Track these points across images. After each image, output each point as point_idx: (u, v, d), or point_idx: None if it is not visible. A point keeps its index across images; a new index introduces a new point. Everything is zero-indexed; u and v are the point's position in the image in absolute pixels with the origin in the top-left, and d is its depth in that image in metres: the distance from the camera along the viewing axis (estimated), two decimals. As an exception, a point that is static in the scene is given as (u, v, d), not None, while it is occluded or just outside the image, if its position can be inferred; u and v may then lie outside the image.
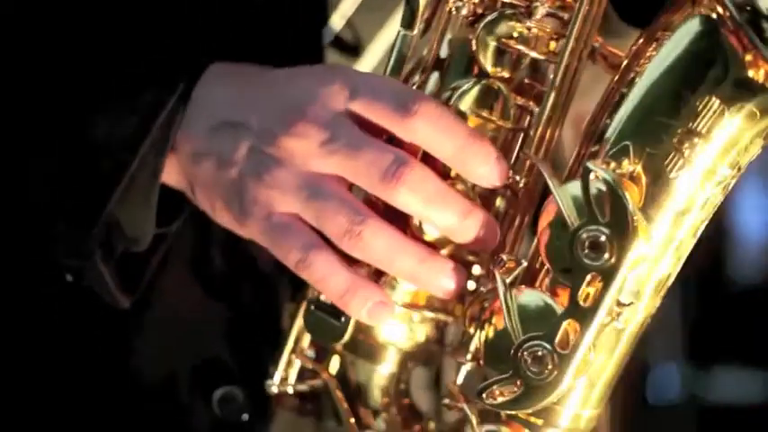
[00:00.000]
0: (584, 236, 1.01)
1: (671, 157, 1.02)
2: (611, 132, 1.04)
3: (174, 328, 1.20)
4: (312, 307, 1.11)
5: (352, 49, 1.19)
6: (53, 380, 1.21)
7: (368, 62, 1.19)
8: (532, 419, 1.09)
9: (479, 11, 1.07)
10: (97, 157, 1.11)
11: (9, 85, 1.14)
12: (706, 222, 1.07)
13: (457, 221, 1.06)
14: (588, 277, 1.01)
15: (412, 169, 1.05)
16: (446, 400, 1.13)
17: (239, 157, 1.09)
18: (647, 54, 1.04)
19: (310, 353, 1.16)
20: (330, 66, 1.15)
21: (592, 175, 1.00)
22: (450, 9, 1.07)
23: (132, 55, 1.14)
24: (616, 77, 1.07)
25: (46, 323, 1.21)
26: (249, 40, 1.18)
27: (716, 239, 2.87)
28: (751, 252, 2.98)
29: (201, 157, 1.11)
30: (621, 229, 1.00)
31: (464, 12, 1.06)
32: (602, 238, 1.00)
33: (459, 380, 1.12)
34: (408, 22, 1.07)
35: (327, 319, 1.10)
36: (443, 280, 1.07)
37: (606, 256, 1.00)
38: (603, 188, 1.01)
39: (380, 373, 1.15)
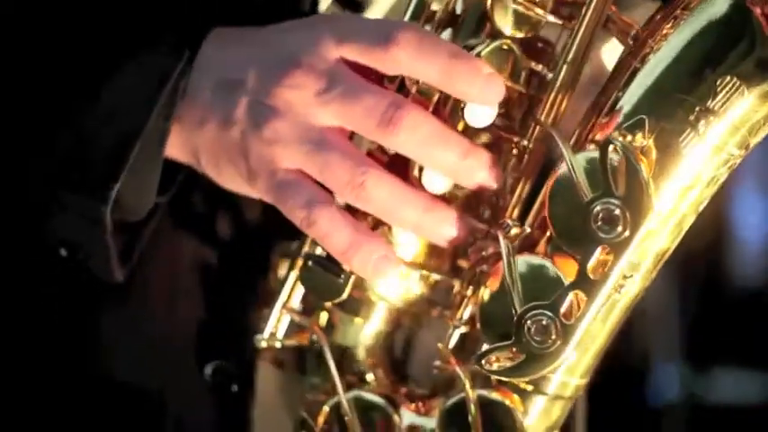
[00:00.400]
0: (599, 208, 1.00)
1: (686, 133, 1.02)
2: (626, 105, 1.04)
3: (170, 298, 1.19)
4: (310, 262, 1.09)
5: (356, 3, 1.16)
6: (36, 357, 1.18)
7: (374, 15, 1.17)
8: (522, 385, 1.09)
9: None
10: (108, 123, 1.08)
11: (19, 55, 1.10)
12: (708, 199, 1.07)
13: (458, 160, 1.05)
14: (599, 249, 1.01)
15: (409, 111, 1.04)
16: (437, 363, 1.12)
17: (239, 115, 1.07)
18: (664, 31, 1.04)
19: (298, 308, 1.14)
20: (318, 15, 1.14)
21: (610, 147, 1.00)
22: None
23: (137, 22, 1.11)
24: (629, 51, 1.06)
25: (32, 301, 1.18)
26: (245, 13, 1.15)
27: (715, 241, 2.84)
28: (750, 253, 2.97)
29: (203, 122, 1.09)
30: (636, 204, 1.00)
31: None
32: (617, 212, 1.00)
33: (452, 343, 1.11)
34: None
35: (326, 275, 1.08)
36: (447, 228, 1.07)
37: (619, 229, 1.00)
38: (619, 161, 1.00)
39: (368, 332, 1.14)
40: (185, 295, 1.19)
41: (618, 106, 1.05)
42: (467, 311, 1.11)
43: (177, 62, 1.08)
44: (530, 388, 1.09)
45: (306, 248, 1.11)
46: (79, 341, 1.19)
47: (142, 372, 1.19)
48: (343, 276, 1.08)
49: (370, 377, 1.14)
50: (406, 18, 1.07)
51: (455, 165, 1.05)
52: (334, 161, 1.04)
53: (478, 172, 1.06)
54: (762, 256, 2.98)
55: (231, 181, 1.11)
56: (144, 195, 1.11)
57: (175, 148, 1.11)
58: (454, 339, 1.11)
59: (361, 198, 1.04)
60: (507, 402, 1.09)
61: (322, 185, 1.06)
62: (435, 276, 1.12)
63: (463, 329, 1.11)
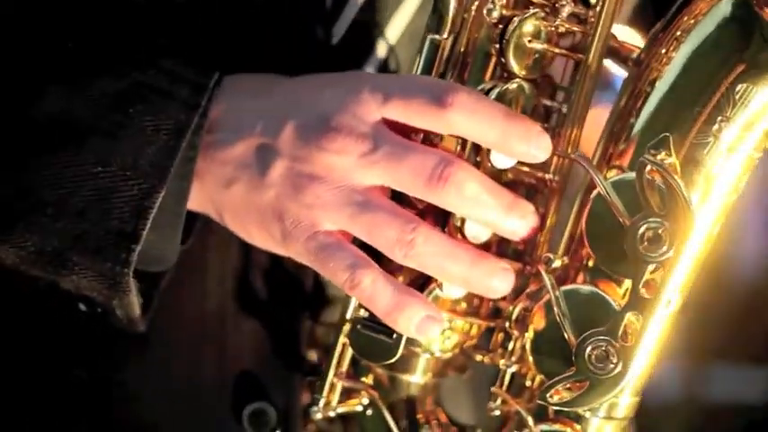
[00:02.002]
0: (643, 229, 1.03)
1: (710, 144, 1.05)
2: (645, 127, 1.06)
3: (202, 343, 1.17)
4: (358, 326, 1.09)
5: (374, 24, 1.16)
6: (67, 400, 1.17)
7: (391, 33, 1.17)
8: (581, 411, 1.11)
9: (506, 12, 1.07)
10: (124, 185, 1.06)
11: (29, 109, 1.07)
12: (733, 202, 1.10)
13: (503, 214, 1.06)
14: (650, 268, 1.03)
15: (458, 168, 1.04)
16: (492, 404, 1.13)
17: (274, 179, 1.06)
18: (668, 54, 1.06)
19: (345, 372, 1.14)
20: (353, 73, 1.12)
21: (646, 168, 1.02)
22: (481, 11, 1.06)
23: (148, 71, 1.08)
24: (633, 76, 1.09)
25: (58, 342, 1.16)
26: (255, 44, 1.14)
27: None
28: (749, 251, 2.99)
29: (231, 182, 1.07)
30: (680, 220, 1.02)
31: (495, 14, 1.06)
32: (661, 231, 1.02)
33: (505, 383, 1.13)
34: (436, 27, 1.07)
35: (377, 338, 1.09)
36: (494, 281, 1.07)
37: (665, 247, 1.02)
38: (651, 180, 1.03)
39: (415, 386, 1.15)
40: (213, 340, 1.17)
41: (635, 130, 1.07)
42: (515, 349, 1.12)
43: (192, 115, 1.06)
44: (587, 414, 1.11)
45: (349, 314, 1.11)
46: (103, 390, 1.17)
47: (172, 421, 1.17)
48: (394, 337, 1.08)
49: (425, 429, 1.15)
50: (419, 70, 1.08)
51: (499, 219, 1.06)
52: (381, 220, 1.04)
53: (519, 224, 1.07)
54: (761, 254, 3.01)
55: (260, 239, 1.10)
56: (166, 250, 1.10)
57: (196, 204, 1.10)
58: (507, 379, 1.13)
59: (410, 255, 1.04)
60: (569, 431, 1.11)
61: (361, 246, 1.06)
62: (477, 323, 1.13)
63: (514, 368, 1.13)
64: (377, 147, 1.04)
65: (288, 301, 1.18)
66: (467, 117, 1.04)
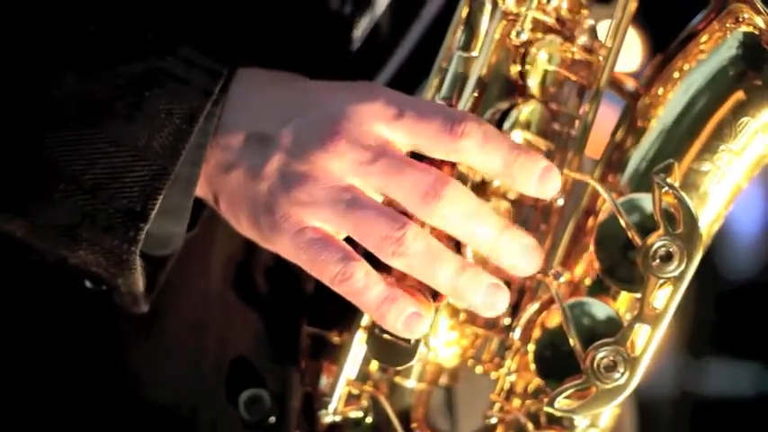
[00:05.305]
0: (657, 246, 1.09)
1: (711, 173, 1.13)
2: (648, 155, 1.14)
3: (200, 329, 1.19)
4: (376, 331, 1.12)
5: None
6: (74, 382, 1.18)
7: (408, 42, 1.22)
8: (575, 419, 1.17)
9: (528, 37, 1.12)
10: (135, 165, 1.08)
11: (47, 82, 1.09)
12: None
13: (494, 237, 1.06)
14: (659, 283, 1.10)
15: (450, 188, 1.06)
16: (488, 412, 1.18)
17: (269, 171, 1.08)
18: (665, 94, 1.14)
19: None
20: (370, 84, 1.15)
21: (662, 190, 1.10)
22: (505, 33, 1.12)
23: (166, 57, 1.11)
24: (630, 108, 1.17)
25: (65, 324, 1.17)
26: (274, 42, 1.17)
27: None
28: (743, 246, 3.05)
29: (230, 169, 1.10)
30: (691, 239, 1.09)
31: (523, 37, 1.12)
32: (673, 249, 1.10)
33: (503, 392, 1.18)
34: (466, 44, 1.11)
35: (395, 342, 1.12)
36: (479, 295, 1.07)
37: (675, 263, 1.10)
38: (656, 200, 1.10)
39: (412, 393, 1.19)
40: (214, 327, 1.19)
41: (637, 159, 1.15)
42: (514, 359, 1.18)
43: (206, 101, 1.09)
44: (576, 422, 1.17)
45: (363, 322, 1.15)
46: (105, 371, 1.18)
47: (172, 403, 1.19)
48: (412, 341, 1.12)
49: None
50: (446, 86, 1.11)
51: (490, 241, 1.07)
52: (370, 217, 1.05)
53: (513, 250, 1.07)
54: (754, 249, 3.08)
55: (248, 229, 1.11)
56: (172, 233, 1.12)
57: (197, 187, 1.12)
58: (506, 389, 1.18)
59: (399, 253, 1.05)
60: (564, 439, 1.18)
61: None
62: (477, 332, 1.18)
63: (513, 378, 1.18)
64: (376, 158, 1.06)
65: (288, 291, 1.20)
66: (476, 145, 1.06)
